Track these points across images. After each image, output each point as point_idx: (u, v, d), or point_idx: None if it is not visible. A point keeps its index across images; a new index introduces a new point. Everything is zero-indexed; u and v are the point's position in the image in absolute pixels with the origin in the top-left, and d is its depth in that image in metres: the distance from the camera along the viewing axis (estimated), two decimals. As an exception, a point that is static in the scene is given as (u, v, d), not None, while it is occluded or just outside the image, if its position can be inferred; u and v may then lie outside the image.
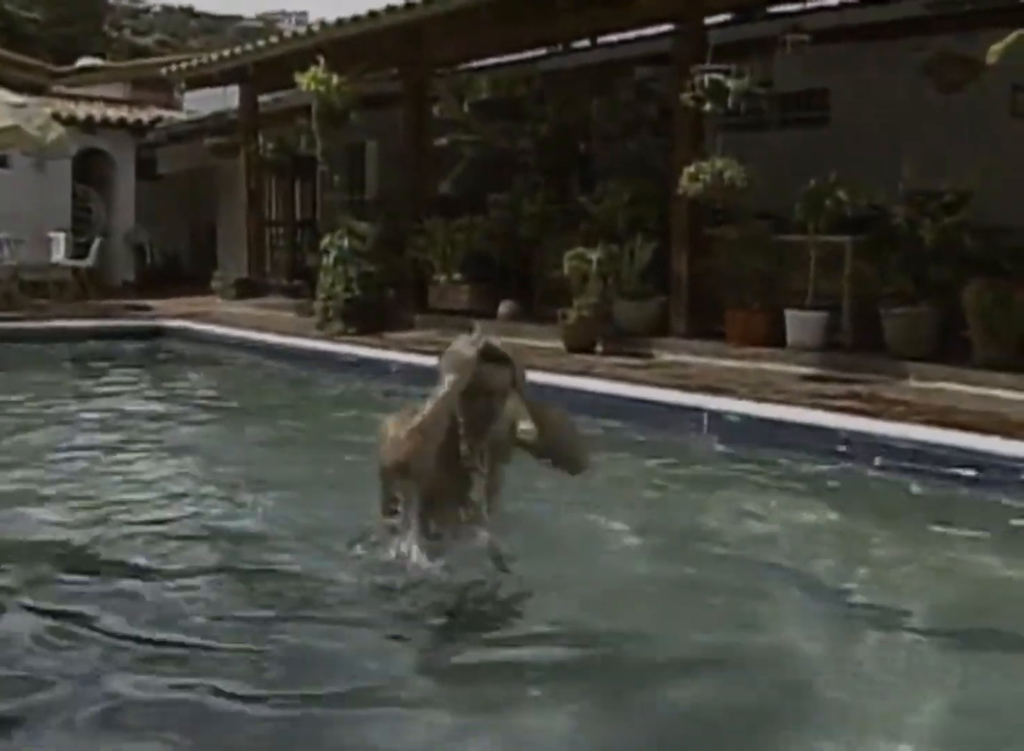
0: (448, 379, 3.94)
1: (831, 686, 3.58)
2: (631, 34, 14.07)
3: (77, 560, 4.71)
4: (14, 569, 4.54)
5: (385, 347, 11.34)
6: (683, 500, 6.07)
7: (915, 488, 6.14)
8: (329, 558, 4.52)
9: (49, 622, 3.94)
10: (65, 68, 23.54)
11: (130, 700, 3.41)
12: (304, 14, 40.33)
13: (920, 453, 6.41)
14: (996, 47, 7.60)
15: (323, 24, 15.00)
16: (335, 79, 13.37)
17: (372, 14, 13.53)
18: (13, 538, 5.04)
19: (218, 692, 3.42)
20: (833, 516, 5.65)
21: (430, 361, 9.19)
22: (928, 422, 7.02)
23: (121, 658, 3.68)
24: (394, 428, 4.03)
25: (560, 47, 15.18)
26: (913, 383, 8.86)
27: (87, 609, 4.07)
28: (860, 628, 4.17)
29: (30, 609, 4.10)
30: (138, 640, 3.83)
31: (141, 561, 4.69)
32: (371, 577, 4.25)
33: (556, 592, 4.24)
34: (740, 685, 3.61)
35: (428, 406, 3.91)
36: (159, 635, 3.87)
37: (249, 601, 4.29)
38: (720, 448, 7.26)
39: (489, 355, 4.00)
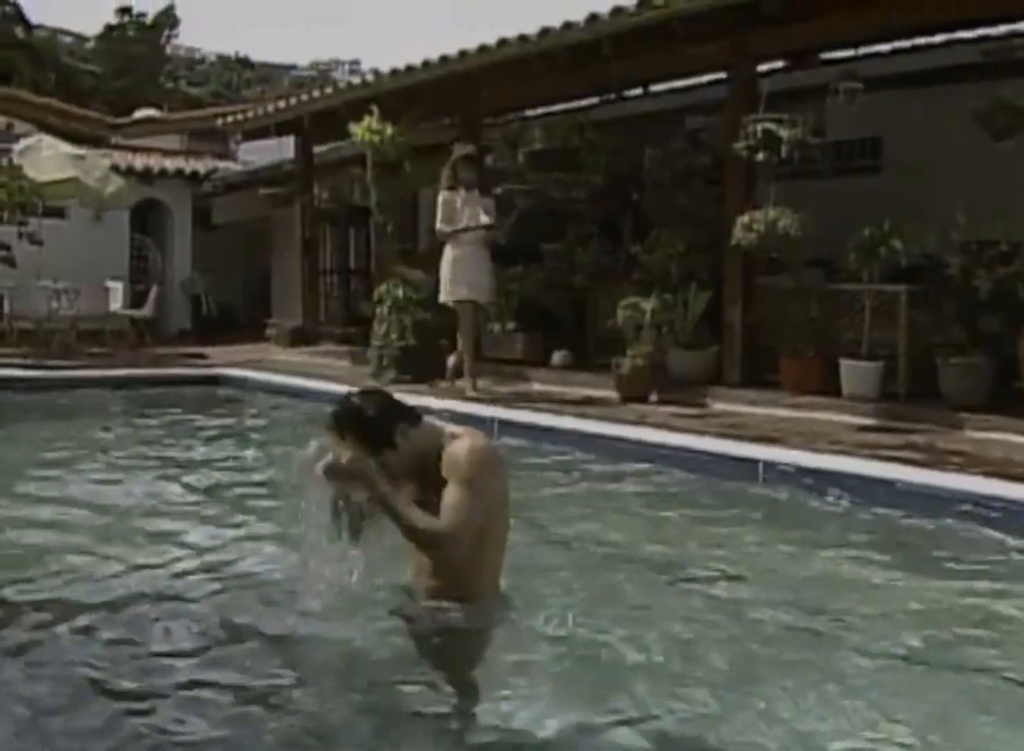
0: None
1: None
2: (683, 83, 14.16)
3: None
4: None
5: (440, 396, 11.37)
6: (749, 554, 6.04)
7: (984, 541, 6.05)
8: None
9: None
10: (123, 120, 23.97)
11: None
12: (357, 62, 40.86)
13: (979, 504, 6.37)
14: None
15: (377, 74, 15.15)
16: (389, 130, 13.50)
17: (426, 64, 13.69)
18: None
19: None
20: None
21: (484, 410, 9.16)
22: (987, 474, 6.98)
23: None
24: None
25: (612, 96, 15.25)
26: (969, 433, 8.80)
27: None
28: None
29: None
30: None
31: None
32: None
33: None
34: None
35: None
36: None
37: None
38: (779, 498, 7.21)
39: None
